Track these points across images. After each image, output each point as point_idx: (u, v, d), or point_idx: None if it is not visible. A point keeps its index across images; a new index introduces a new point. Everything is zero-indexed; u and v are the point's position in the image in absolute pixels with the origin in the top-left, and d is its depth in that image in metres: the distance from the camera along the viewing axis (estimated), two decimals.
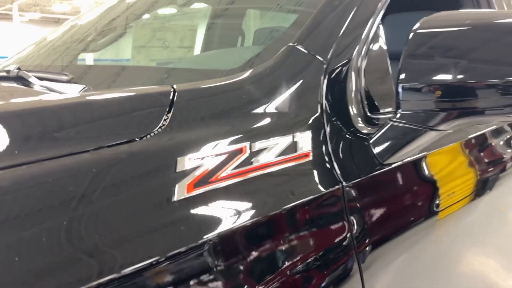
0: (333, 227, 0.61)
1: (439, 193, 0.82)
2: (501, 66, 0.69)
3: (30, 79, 0.88)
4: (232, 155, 0.53)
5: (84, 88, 0.70)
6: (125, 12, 1.75)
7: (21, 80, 0.89)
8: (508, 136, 1.18)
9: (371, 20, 0.82)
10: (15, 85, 0.82)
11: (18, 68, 1.00)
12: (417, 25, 0.72)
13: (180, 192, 0.47)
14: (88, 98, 0.55)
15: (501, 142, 1.15)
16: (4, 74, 1.01)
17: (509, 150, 1.15)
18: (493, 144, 1.12)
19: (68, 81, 0.85)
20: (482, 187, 0.99)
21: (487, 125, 1.06)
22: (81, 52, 1.45)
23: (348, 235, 0.62)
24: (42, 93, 0.71)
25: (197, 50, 1.33)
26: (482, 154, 1.02)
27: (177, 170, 0.48)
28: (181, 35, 1.96)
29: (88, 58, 1.57)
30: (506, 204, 1.14)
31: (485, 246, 1.07)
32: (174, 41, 1.87)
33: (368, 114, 0.75)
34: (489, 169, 1.04)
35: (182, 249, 0.44)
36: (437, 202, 0.81)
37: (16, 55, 1.58)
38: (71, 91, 0.71)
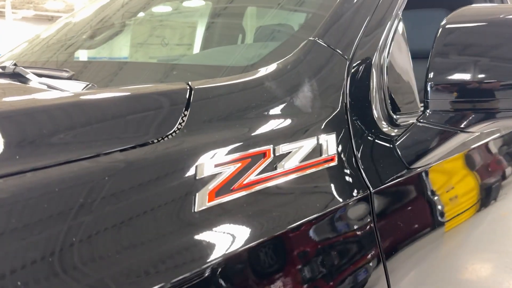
0: (361, 234, 0.56)
1: (466, 197, 0.78)
2: None
3: (28, 76, 0.82)
4: (255, 159, 0.48)
5: (87, 85, 0.64)
6: (122, 8, 1.69)
7: (18, 77, 0.83)
8: None
9: (392, 16, 0.77)
10: (12, 82, 0.76)
11: (15, 64, 0.94)
12: (445, 21, 0.68)
13: (200, 201, 0.42)
14: (95, 96, 0.50)
15: None
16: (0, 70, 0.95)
17: None
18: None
19: (69, 78, 0.80)
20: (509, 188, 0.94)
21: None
22: (77, 50, 1.39)
23: (376, 242, 0.57)
24: (43, 91, 0.65)
25: (207, 46, 1.27)
26: (503, 156, 0.98)
27: (196, 177, 0.43)
28: (186, 31, 1.90)
29: (83, 56, 1.50)
30: None
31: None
32: (179, 36, 1.81)
33: (392, 114, 0.70)
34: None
35: (204, 266, 0.39)
36: (463, 207, 0.77)
37: (9, 53, 1.51)
38: (74, 89, 0.65)
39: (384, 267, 0.58)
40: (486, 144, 0.90)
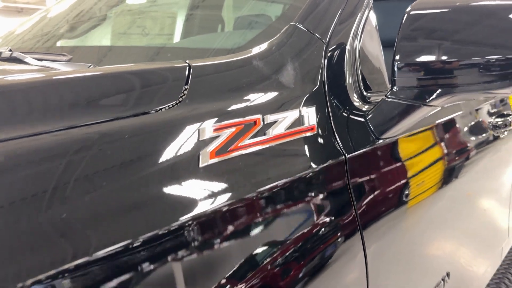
0: (337, 194, 0.65)
1: (433, 167, 0.88)
2: (490, 48, 0.74)
3: (26, 60, 0.87)
4: (248, 126, 0.56)
5: (90, 66, 0.70)
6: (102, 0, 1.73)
7: (16, 61, 0.88)
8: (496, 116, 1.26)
9: (364, 5, 0.86)
10: (14, 65, 0.81)
11: (10, 50, 0.98)
12: (409, 8, 0.77)
13: (204, 159, 0.49)
14: (105, 71, 0.56)
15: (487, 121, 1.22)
16: None
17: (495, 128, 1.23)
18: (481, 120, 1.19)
19: (68, 61, 0.85)
20: (476, 159, 1.05)
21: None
22: (59, 40, 1.43)
23: (350, 202, 0.66)
24: (54, 69, 0.71)
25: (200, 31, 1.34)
26: (467, 133, 1.09)
27: (199, 139, 0.50)
28: (166, 21, 1.94)
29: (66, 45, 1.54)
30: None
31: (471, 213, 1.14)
32: (160, 27, 1.85)
33: (364, 92, 0.79)
34: (477, 144, 1.11)
35: (207, 212, 0.47)
36: (429, 176, 0.87)
37: None
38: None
39: (357, 221, 0.67)
40: (451, 120, 1.01)
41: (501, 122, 1.33)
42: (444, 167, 0.98)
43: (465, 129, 1.13)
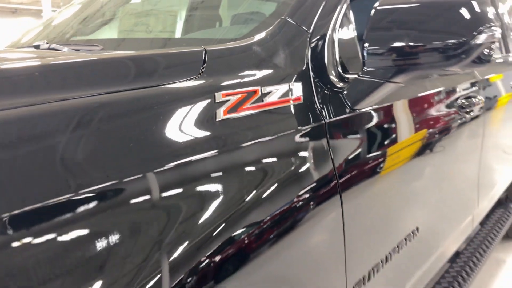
0: (319, 151, 0.84)
1: (404, 136, 1.07)
2: (445, 33, 0.94)
3: (64, 50, 1.05)
4: (250, 94, 0.75)
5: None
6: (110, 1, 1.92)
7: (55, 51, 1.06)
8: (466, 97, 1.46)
9: (341, 2, 1.04)
10: (58, 53, 0.99)
11: (47, 43, 1.16)
12: (377, 3, 0.96)
13: (219, 115, 0.68)
14: (141, 53, 0.75)
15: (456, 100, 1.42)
16: (33, 49, 1.17)
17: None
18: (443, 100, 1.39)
19: (101, 50, 1.04)
20: (446, 134, 1.25)
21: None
22: (75, 35, 1.61)
23: (329, 157, 0.85)
24: (100, 53, 0.89)
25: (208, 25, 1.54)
26: (435, 108, 1.29)
27: (215, 102, 0.69)
28: (168, 19, 2.13)
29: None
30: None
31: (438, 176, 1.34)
32: (162, 25, 2.03)
33: (341, 73, 0.98)
34: (439, 121, 1.31)
35: (223, 150, 0.66)
36: (403, 144, 1.06)
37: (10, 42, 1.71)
38: None
39: (335, 174, 0.86)
40: (421, 97, 1.20)
41: (468, 103, 1.53)
42: (413, 138, 1.17)
43: (438, 105, 1.33)
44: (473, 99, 1.56)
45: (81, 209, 0.49)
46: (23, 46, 1.46)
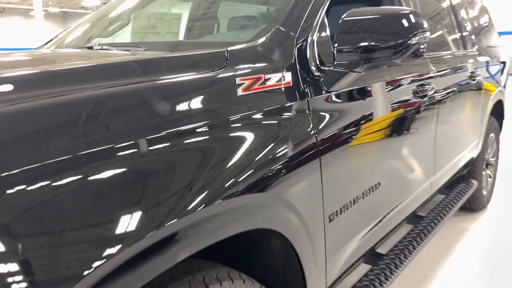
0: (302, 117, 1.22)
1: (362, 110, 1.47)
2: (390, 36, 1.33)
3: (115, 50, 1.42)
4: (257, 79, 1.13)
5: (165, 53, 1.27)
6: (130, 6, 2.31)
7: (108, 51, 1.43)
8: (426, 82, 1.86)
9: (319, 13, 1.43)
10: (116, 51, 1.36)
11: (99, 44, 1.53)
12: (344, 15, 1.35)
13: (239, 92, 1.07)
14: (182, 53, 1.12)
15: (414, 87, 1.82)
16: (87, 50, 1.53)
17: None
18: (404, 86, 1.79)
19: (144, 51, 1.41)
20: (404, 113, 1.65)
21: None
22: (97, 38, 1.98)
23: (310, 122, 1.24)
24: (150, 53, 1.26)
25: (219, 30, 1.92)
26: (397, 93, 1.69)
27: (235, 83, 1.07)
28: (173, 22, 2.50)
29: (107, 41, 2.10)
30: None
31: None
32: (168, 27, 2.40)
33: (320, 66, 1.37)
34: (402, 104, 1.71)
35: (242, 115, 1.04)
36: (362, 115, 1.46)
37: (47, 44, 2.08)
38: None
39: (316, 139, 1.24)
40: (383, 83, 1.59)
41: (422, 89, 1.93)
42: (374, 112, 1.56)
43: (393, 89, 1.73)
44: (426, 86, 1.96)
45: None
46: (74, 47, 1.82)
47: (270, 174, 1.05)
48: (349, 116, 1.41)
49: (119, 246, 0.69)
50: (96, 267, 0.65)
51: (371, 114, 1.52)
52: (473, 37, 3.02)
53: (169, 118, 0.89)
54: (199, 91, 1.00)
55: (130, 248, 0.70)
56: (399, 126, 1.76)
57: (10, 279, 0.58)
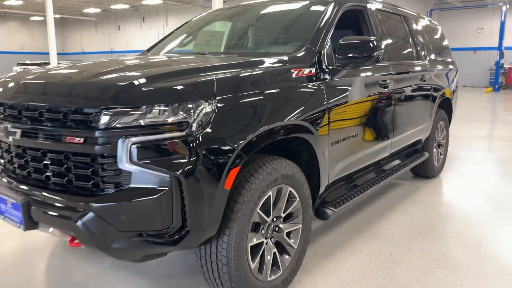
0: (320, 92, 2.48)
1: (353, 91, 2.74)
2: (363, 51, 2.63)
3: (213, 56, 2.67)
4: (300, 71, 2.39)
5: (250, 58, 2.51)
6: (194, 26, 3.60)
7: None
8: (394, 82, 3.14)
9: (327, 36, 2.71)
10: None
11: (203, 53, 2.79)
12: (341, 40, 2.64)
13: (293, 75, 2.33)
14: (265, 58, 2.37)
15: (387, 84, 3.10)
16: (203, 56, 2.78)
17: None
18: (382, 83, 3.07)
19: (238, 56, 2.65)
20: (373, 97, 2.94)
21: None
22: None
23: (324, 95, 2.50)
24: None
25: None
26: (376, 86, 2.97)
27: (292, 72, 2.34)
28: (219, 37, 3.76)
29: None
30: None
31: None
32: (215, 40, 3.65)
33: (328, 65, 2.63)
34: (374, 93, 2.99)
35: (295, 85, 2.30)
36: (352, 93, 2.73)
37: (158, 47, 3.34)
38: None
39: (327, 103, 2.50)
40: (364, 77, 2.87)
41: (385, 83, 3.22)
42: (358, 94, 2.84)
43: (369, 83, 3.01)
44: (387, 80, 3.26)
45: None
46: (193, 54, 3.09)
47: (306, 114, 2.31)
48: (343, 92, 2.68)
49: (252, 130, 1.96)
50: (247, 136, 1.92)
51: (355, 92, 2.80)
52: (425, 52, 4.34)
53: (269, 83, 2.15)
54: (277, 73, 2.25)
55: (255, 133, 1.96)
56: (372, 101, 3.05)
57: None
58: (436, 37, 4.93)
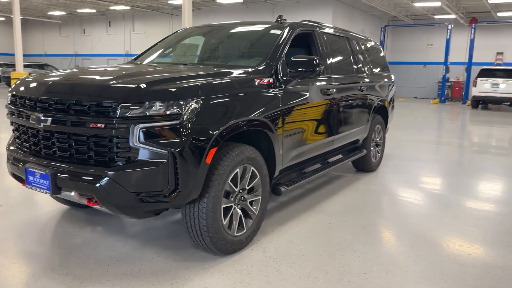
0: (276, 97, 3.29)
1: (306, 97, 3.56)
2: (308, 66, 3.48)
3: (201, 67, 3.42)
4: (261, 80, 3.19)
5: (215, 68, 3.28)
6: (172, 41, 4.34)
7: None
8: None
9: (283, 53, 3.52)
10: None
11: (189, 63, 3.54)
12: (292, 57, 3.48)
13: (256, 83, 3.12)
14: (235, 68, 3.14)
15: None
16: (186, 66, 3.53)
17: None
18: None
19: (214, 67, 3.40)
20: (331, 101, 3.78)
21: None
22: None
23: (279, 99, 3.30)
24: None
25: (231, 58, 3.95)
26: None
27: (255, 80, 3.12)
28: (194, 49, 4.51)
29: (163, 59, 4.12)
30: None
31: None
32: (190, 52, 4.39)
33: (282, 76, 3.44)
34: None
35: (256, 91, 3.09)
36: (303, 98, 3.55)
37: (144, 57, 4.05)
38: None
39: (280, 105, 3.31)
40: (314, 86, 3.71)
41: (327, 91, 4.08)
42: (309, 98, 3.66)
43: (314, 91, 3.85)
44: (330, 89, 4.12)
45: None
46: (179, 63, 3.82)
47: (265, 113, 3.10)
48: (294, 96, 3.51)
49: (226, 121, 2.74)
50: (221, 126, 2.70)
51: (304, 98, 3.64)
52: (365, 67, 5.28)
53: (238, 88, 2.93)
54: (244, 81, 3.04)
55: (228, 124, 2.74)
56: (317, 105, 3.89)
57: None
58: (376, 55, 5.90)
